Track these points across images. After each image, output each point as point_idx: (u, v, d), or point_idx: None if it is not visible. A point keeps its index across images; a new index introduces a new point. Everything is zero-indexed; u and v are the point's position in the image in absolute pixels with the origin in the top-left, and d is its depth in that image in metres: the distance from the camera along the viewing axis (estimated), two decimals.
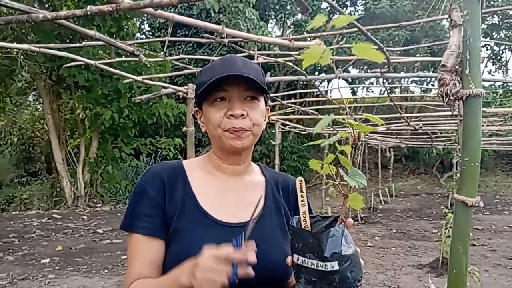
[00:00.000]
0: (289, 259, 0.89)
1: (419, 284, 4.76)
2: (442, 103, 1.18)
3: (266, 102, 1.09)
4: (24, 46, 2.47)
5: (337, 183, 0.84)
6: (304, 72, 3.56)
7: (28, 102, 13.81)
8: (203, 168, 1.10)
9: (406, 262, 5.82)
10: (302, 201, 0.88)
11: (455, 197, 1.22)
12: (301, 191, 0.88)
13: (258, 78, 1.02)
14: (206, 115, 1.04)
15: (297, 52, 2.69)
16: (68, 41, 8.86)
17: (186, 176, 1.07)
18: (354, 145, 0.87)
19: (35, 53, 8.44)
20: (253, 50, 3.30)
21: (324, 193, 8.59)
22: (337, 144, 0.86)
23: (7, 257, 5.61)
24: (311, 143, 0.94)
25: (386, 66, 3.15)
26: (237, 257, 0.82)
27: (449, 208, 6.59)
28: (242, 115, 1.00)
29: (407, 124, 6.69)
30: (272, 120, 6.55)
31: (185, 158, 1.33)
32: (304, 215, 0.87)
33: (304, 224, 0.87)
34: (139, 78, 4.16)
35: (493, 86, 16.96)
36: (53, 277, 4.85)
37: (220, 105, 1.02)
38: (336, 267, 0.80)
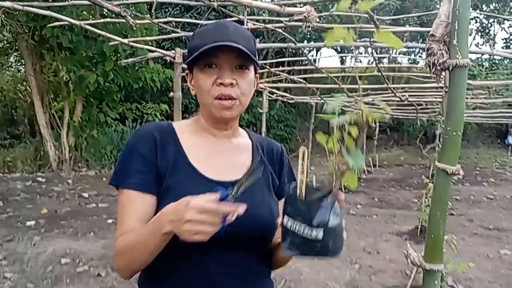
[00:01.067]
0: (279, 220, 0.93)
1: (398, 251, 4.92)
2: (428, 75, 1.21)
3: (256, 70, 1.11)
4: (7, 3, 2.38)
5: (337, 160, 0.87)
6: (294, 40, 3.53)
7: (9, 63, 13.44)
8: (192, 130, 1.13)
9: (386, 229, 6.00)
10: (302, 169, 0.90)
11: (437, 165, 1.25)
12: (303, 160, 0.91)
13: (249, 46, 1.03)
14: (197, 80, 1.06)
15: (287, 19, 2.66)
16: (51, 0, 8.55)
17: (176, 136, 1.10)
18: (361, 128, 0.89)
19: (17, 12, 8.15)
20: (243, 15, 3.25)
21: (310, 161, 8.69)
22: (346, 124, 0.87)
23: None
24: (321, 115, 0.92)
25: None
26: (227, 209, 0.84)
27: (430, 178, 6.75)
28: (232, 83, 1.02)
29: (393, 95, 6.73)
30: (260, 88, 6.51)
31: None
32: (301, 183, 0.90)
33: (300, 191, 0.90)
34: (125, 41, 4.08)
35: (479, 60, 17.06)
36: (39, 239, 4.88)
37: (210, 72, 1.03)
38: (320, 236, 0.85)
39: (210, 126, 1.12)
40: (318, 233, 0.84)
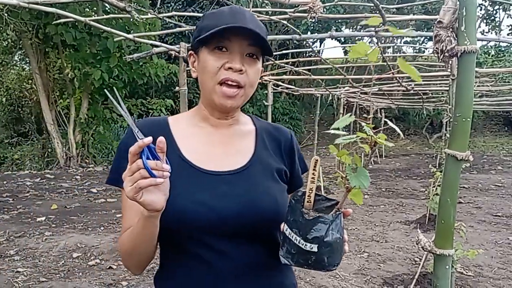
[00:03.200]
0: (282, 225, 0.92)
1: (406, 239, 4.94)
2: (434, 63, 1.21)
3: (262, 63, 1.07)
4: (13, 1, 2.40)
5: (344, 176, 0.86)
6: (298, 31, 3.52)
7: (14, 62, 13.50)
8: (189, 121, 1.09)
9: (394, 218, 6.01)
10: (312, 178, 0.90)
11: (446, 151, 1.26)
12: (314, 170, 0.90)
13: (264, 36, 0.99)
14: (203, 62, 1.00)
15: (292, 10, 2.66)
16: None
17: (170, 130, 1.06)
18: (371, 148, 0.86)
19: (20, 10, 8.18)
20: (247, 8, 3.24)
21: (316, 153, 8.70)
22: (358, 142, 0.87)
23: (3, 215, 5.68)
24: (332, 131, 0.90)
25: (380, 25, 3.13)
26: (134, 148, 0.80)
27: (437, 167, 6.74)
28: (241, 70, 0.97)
29: (399, 84, 6.70)
30: (265, 80, 6.51)
31: None
32: (310, 191, 0.90)
33: (308, 199, 0.90)
34: (130, 36, 4.08)
35: (485, 47, 16.91)
36: (50, 234, 4.94)
37: (219, 55, 0.98)
38: (315, 250, 0.86)
39: (209, 114, 1.06)
40: (313, 247, 0.86)
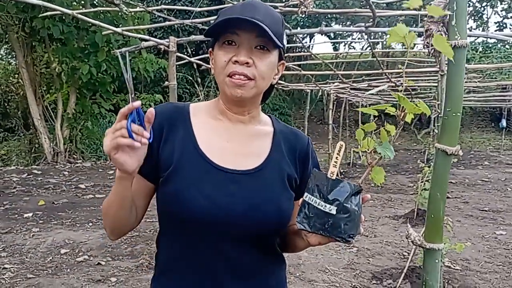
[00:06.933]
0: (300, 200, 0.91)
1: (394, 234, 4.98)
2: (423, 59, 1.21)
3: (281, 57, 1.04)
4: None
5: (368, 151, 0.88)
6: (288, 26, 3.51)
7: (0, 56, 13.28)
8: (208, 112, 1.09)
9: (383, 213, 6.06)
10: (335, 162, 0.91)
11: (436, 146, 1.26)
12: (338, 154, 0.91)
13: (275, 28, 0.97)
14: (215, 57, 1.02)
15: (283, 4, 2.64)
16: None
17: (189, 118, 1.06)
18: (398, 122, 0.87)
19: (6, 3, 8.05)
20: (238, 1, 3.22)
21: None
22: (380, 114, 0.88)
23: None
24: (363, 109, 0.93)
25: (370, 20, 3.14)
26: (124, 110, 0.86)
27: (425, 163, 6.79)
28: (247, 62, 0.96)
29: (388, 80, 6.73)
30: None
31: None
32: (331, 175, 0.91)
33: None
34: (118, 30, 4.04)
35: (473, 44, 17.06)
36: (37, 230, 4.88)
37: (228, 49, 0.98)
38: (333, 212, 0.86)
39: (226, 108, 1.06)
40: (332, 209, 0.86)
